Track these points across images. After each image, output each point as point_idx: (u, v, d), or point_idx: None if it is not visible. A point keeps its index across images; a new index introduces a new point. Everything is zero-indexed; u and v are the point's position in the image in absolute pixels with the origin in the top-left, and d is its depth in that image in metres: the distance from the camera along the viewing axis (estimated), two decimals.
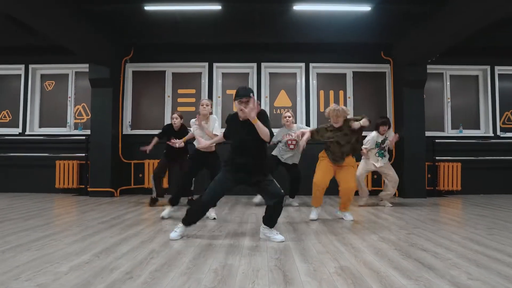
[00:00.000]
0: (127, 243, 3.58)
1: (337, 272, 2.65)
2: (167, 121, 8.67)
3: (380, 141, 6.34)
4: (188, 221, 3.85)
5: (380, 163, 6.37)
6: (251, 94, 3.62)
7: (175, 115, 6.41)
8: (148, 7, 6.38)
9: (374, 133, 6.40)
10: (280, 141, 6.44)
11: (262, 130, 3.53)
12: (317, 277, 2.55)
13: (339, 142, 4.84)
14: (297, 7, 6.33)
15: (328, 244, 3.54)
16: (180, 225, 3.86)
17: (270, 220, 3.81)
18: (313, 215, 5.07)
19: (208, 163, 5.16)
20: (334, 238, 3.82)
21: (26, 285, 2.36)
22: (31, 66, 8.87)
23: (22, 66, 8.88)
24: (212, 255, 3.14)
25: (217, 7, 6.34)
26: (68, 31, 6.43)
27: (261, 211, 5.68)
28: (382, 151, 6.38)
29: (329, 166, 4.94)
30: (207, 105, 5.18)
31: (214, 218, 5.04)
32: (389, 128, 6.33)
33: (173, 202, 5.19)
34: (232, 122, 3.86)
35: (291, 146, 6.37)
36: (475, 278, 2.52)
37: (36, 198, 7.37)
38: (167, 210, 5.21)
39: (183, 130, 6.37)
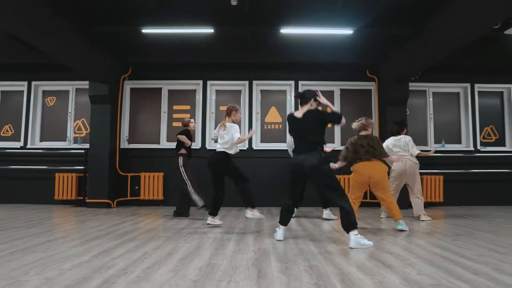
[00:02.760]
0: (123, 246, 3.96)
1: (305, 270, 3.03)
2: (163, 135, 9.10)
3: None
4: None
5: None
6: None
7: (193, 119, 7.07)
8: (145, 30, 6.85)
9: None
10: None
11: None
12: (289, 273, 2.93)
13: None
14: (284, 31, 6.82)
15: (305, 248, 3.91)
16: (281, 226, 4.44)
17: (343, 224, 4.09)
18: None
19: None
20: (312, 243, 4.19)
21: (35, 278, 2.73)
22: (33, 83, 9.31)
23: (25, 83, 9.32)
24: (198, 256, 3.52)
25: (210, 30, 6.81)
26: (69, 51, 6.87)
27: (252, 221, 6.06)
28: None
29: None
30: None
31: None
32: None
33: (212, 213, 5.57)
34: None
35: None
36: (424, 273, 2.90)
37: (36, 209, 7.72)
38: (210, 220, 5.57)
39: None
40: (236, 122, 5.52)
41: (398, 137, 6.64)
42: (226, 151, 5.39)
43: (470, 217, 6.64)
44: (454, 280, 2.73)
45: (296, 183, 4.45)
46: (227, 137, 5.37)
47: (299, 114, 4.42)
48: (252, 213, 5.16)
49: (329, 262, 3.28)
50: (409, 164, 6.41)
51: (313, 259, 3.40)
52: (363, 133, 5.51)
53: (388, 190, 5.29)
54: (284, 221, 4.48)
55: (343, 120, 4.36)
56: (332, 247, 3.97)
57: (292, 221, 6.16)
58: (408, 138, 6.57)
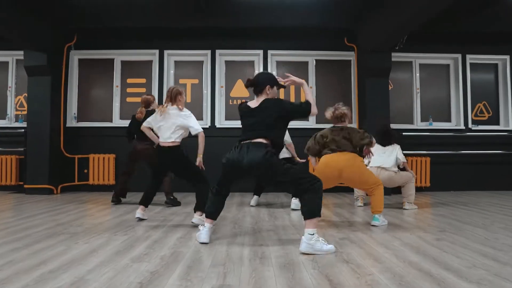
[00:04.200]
0: None
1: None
2: (116, 112, 8.01)
3: None
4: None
5: None
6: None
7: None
8: None
9: None
10: None
11: None
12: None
13: None
14: None
15: (235, 253, 2.91)
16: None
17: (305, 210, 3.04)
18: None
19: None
20: (250, 245, 3.19)
21: None
22: None
23: None
24: (79, 266, 2.50)
25: None
26: None
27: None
28: None
29: None
30: None
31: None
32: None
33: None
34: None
35: None
36: None
37: None
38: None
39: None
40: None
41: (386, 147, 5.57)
42: (178, 144, 4.28)
43: (459, 206, 5.69)
44: None
45: (226, 182, 3.33)
46: (175, 126, 4.25)
47: (254, 104, 3.31)
48: (200, 218, 4.06)
49: (253, 279, 2.27)
50: (384, 176, 5.37)
51: (232, 274, 2.38)
52: (338, 124, 4.37)
53: (371, 178, 4.14)
54: (211, 214, 3.36)
55: (314, 110, 3.27)
56: (274, 252, 2.96)
57: (251, 211, 5.17)
58: (397, 147, 5.54)
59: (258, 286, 2.14)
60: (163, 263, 2.61)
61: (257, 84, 3.32)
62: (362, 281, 2.23)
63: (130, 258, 2.75)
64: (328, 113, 4.47)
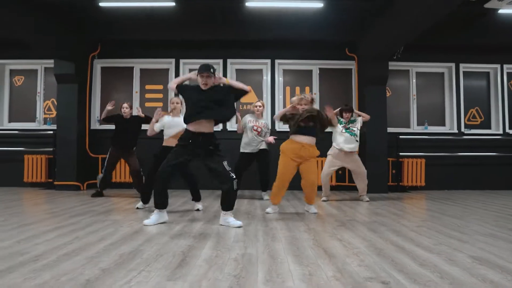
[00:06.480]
0: (56, 231, 3.65)
1: (236, 258, 2.74)
2: None
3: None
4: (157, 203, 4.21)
5: (347, 145, 6.38)
6: (212, 70, 4.12)
7: (125, 105, 6.94)
8: (103, 4, 6.44)
9: None
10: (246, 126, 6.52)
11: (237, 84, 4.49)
12: (214, 262, 2.63)
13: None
14: (249, 4, 6.41)
15: (251, 233, 3.62)
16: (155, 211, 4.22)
17: (227, 205, 4.11)
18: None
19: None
20: (261, 229, 3.90)
21: None
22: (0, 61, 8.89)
23: None
24: (131, 242, 3.21)
25: (171, 3, 6.42)
26: (28, 28, 6.46)
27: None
28: (349, 131, 6.47)
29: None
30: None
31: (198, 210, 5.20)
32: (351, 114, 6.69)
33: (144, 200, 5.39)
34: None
35: (258, 130, 6.44)
36: (364, 265, 2.60)
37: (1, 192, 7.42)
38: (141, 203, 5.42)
39: (133, 119, 6.90)
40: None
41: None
42: None
43: (446, 201, 6.36)
44: (395, 272, 2.43)
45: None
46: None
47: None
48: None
49: (267, 250, 2.99)
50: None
51: (251, 247, 3.09)
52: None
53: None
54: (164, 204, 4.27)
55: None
56: (282, 233, 3.67)
57: (261, 204, 5.87)
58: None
59: (271, 254, 2.86)
60: (196, 240, 3.33)
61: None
62: (350, 252, 2.94)
63: (169, 236, 3.47)
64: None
